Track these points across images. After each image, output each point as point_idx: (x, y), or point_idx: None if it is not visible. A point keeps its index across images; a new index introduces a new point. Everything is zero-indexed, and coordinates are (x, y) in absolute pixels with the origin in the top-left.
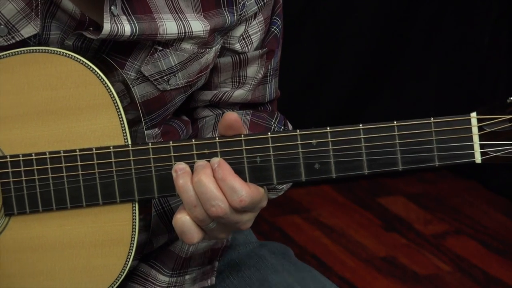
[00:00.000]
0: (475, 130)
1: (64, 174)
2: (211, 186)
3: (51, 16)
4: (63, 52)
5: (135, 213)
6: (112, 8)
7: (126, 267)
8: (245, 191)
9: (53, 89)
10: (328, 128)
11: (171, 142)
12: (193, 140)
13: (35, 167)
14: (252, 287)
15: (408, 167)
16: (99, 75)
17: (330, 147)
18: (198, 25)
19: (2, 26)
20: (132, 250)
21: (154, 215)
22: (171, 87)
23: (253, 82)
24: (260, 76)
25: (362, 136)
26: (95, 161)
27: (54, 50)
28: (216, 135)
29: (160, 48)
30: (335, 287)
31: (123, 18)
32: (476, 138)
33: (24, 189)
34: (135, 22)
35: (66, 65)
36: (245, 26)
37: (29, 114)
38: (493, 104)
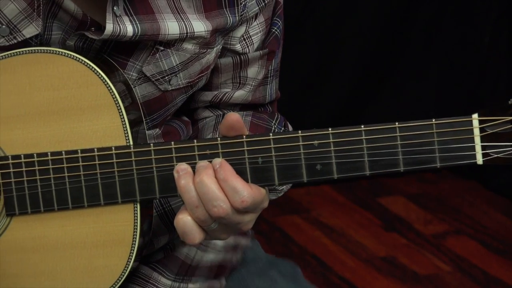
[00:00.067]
0: (476, 131)
1: (66, 174)
2: (213, 187)
3: (52, 16)
4: (65, 53)
5: (137, 213)
6: (115, 8)
7: (127, 267)
8: (247, 191)
9: (55, 90)
10: (330, 129)
11: (172, 142)
12: (195, 141)
13: (36, 168)
14: None
15: (410, 168)
16: (101, 76)
17: (332, 148)
18: (200, 26)
19: (4, 26)
20: (133, 250)
21: (155, 215)
22: (173, 87)
23: (253, 83)
24: (260, 77)
25: (363, 137)
26: (97, 162)
27: (56, 51)
28: (217, 135)
29: (162, 48)
30: None
31: (125, 19)
32: (477, 139)
33: (25, 189)
34: (137, 22)
35: (68, 65)
36: (246, 26)
37: (30, 114)
38: (495, 106)
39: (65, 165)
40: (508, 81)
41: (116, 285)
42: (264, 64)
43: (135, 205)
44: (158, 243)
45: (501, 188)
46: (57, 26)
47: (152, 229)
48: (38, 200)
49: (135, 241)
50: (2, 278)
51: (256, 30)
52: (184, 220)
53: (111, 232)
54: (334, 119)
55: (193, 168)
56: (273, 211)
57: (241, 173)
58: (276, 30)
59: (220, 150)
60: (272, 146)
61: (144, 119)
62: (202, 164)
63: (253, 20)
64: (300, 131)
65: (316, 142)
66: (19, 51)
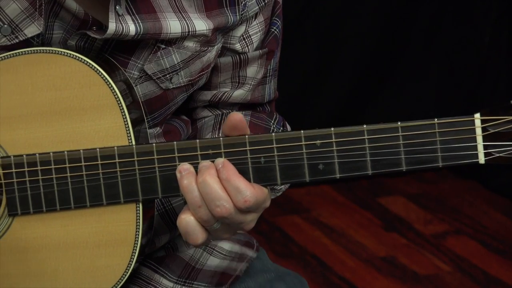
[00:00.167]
0: (478, 131)
1: (68, 174)
2: (216, 187)
3: (54, 15)
4: (67, 53)
5: (139, 213)
6: (117, 7)
7: (129, 267)
8: (250, 191)
9: (57, 90)
10: (332, 128)
11: (175, 142)
12: (197, 140)
13: (39, 168)
14: None
15: (412, 168)
16: (103, 76)
17: (334, 148)
18: (201, 25)
19: (5, 26)
20: (136, 250)
21: (156, 215)
22: (174, 86)
23: (252, 82)
24: (259, 76)
25: (366, 137)
26: (99, 162)
27: (58, 51)
28: (218, 135)
29: (163, 46)
30: None
31: (128, 18)
32: (479, 138)
33: (28, 189)
34: (139, 21)
35: (70, 65)
36: (246, 26)
37: (33, 114)
38: (497, 105)
39: (67, 165)
40: (508, 81)
41: (118, 285)
42: (263, 63)
43: (137, 205)
44: (159, 242)
45: (501, 188)
46: (58, 26)
47: (153, 228)
48: (40, 200)
49: (137, 240)
50: (4, 278)
51: (255, 30)
52: (187, 220)
53: (113, 232)
54: (334, 119)
55: (196, 168)
56: (273, 211)
57: (243, 172)
58: (275, 29)
59: (222, 150)
60: (274, 146)
61: (145, 118)
62: (204, 164)
63: (253, 19)
64: (302, 131)
65: (318, 141)
66: (21, 51)
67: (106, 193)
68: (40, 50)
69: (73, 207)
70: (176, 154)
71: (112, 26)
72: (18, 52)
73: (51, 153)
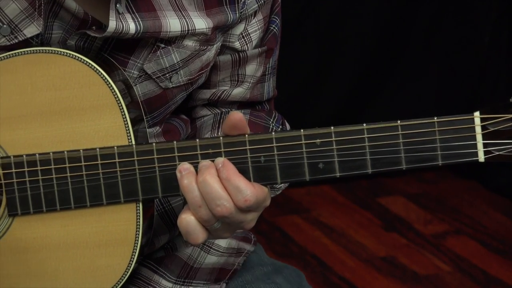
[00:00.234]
0: (478, 129)
1: (68, 174)
2: (216, 186)
3: (53, 15)
4: (66, 53)
5: (139, 213)
6: (118, 6)
7: (130, 267)
8: (250, 190)
9: (56, 90)
10: (332, 127)
11: (175, 142)
12: (197, 140)
13: (38, 168)
14: None
15: (412, 166)
16: (103, 76)
17: (334, 147)
18: (201, 23)
19: (5, 26)
20: (136, 250)
21: (155, 215)
22: (173, 85)
23: (251, 80)
24: (258, 75)
25: (366, 136)
26: (99, 162)
27: (57, 51)
28: (217, 134)
29: (163, 45)
30: None
31: (128, 16)
32: (479, 137)
33: (28, 189)
34: (139, 20)
35: (69, 65)
36: (245, 24)
37: (32, 114)
38: (496, 104)
39: (67, 165)
40: (508, 81)
41: (118, 285)
42: (262, 61)
43: (137, 205)
44: (158, 242)
45: (501, 188)
46: (57, 25)
47: (153, 228)
48: (40, 200)
49: (138, 240)
50: (4, 278)
51: (254, 28)
52: (187, 220)
53: (114, 231)
54: (334, 119)
55: (196, 168)
56: (273, 211)
57: (243, 172)
58: (274, 27)
59: (222, 149)
60: (274, 145)
61: (144, 117)
62: (204, 163)
63: (252, 17)
64: (302, 130)
65: (318, 140)
66: (20, 51)
67: (106, 193)
68: (39, 50)
69: (73, 207)
70: (176, 154)
71: (112, 24)
72: (18, 52)
73: (51, 153)
